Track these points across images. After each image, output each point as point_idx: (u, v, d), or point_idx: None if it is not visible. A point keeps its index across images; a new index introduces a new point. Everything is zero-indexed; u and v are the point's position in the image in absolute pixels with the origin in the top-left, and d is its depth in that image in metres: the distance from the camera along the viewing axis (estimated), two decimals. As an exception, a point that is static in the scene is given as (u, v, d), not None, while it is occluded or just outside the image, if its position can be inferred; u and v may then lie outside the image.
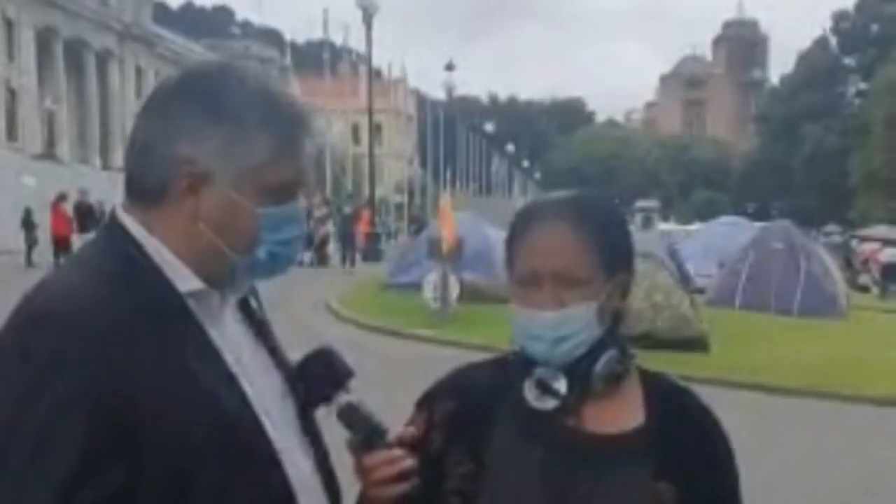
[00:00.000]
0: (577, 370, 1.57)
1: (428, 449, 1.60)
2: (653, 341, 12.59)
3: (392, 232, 51.25)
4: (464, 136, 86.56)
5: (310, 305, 17.60)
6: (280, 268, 1.52)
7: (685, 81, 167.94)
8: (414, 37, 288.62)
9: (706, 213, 74.28)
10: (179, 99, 1.45)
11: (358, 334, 14.41)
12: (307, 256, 29.82)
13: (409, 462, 1.54)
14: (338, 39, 65.08)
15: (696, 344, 12.94)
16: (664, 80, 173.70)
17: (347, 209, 36.14)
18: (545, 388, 1.57)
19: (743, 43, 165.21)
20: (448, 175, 61.73)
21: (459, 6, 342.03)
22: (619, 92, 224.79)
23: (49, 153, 52.55)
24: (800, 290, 18.96)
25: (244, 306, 1.57)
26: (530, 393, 1.58)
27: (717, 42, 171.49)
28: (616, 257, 1.59)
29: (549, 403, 1.57)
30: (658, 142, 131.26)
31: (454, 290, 15.80)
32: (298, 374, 1.55)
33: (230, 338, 1.48)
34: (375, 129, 47.75)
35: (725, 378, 11.28)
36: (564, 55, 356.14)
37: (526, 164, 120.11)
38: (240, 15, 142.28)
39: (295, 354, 1.59)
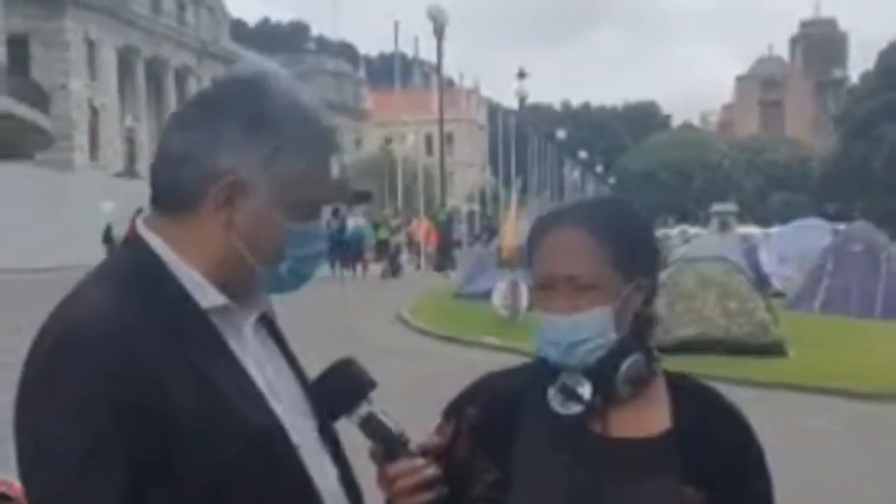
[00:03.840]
0: (602, 375, 1.56)
1: (455, 457, 1.61)
2: (727, 347, 12.47)
3: (464, 241, 51.38)
4: (536, 143, 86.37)
5: (381, 315, 17.72)
6: (299, 284, 1.53)
7: (762, 82, 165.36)
8: (488, 45, 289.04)
9: (785, 215, 72.98)
10: (219, 110, 1.45)
11: (427, 342, 14.44)
12: (377, 268, 30.12)
13: (431, 471, 1.54)
14: (411, 51, 65.68)
15: (773, 349, 12.72)
16: (740, 81, 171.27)
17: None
18: (570, 394, 1.57)
19: (821, 42, 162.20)
20: (520, 183, 62.00)
21: (533, 14, 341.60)
22: (695, 95, 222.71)
23: (130, 171, 53.75)
24: (881, 292, 18.51)
25: (264, 320, 1.57)
26: (555, 399, 1.58)
27: (795, 42, 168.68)
28: (634, 262, 1.59)
29: (574, 409, 1.56)
30: (735, 144, 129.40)
31: (524, 298, 15.77)
32: (321, 385, 1.55)
33: (252, 352, 1.48)
34: (447, 139, 47.82)
35: (803, 383, 11.06)
36: (639, 59, 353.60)
37: (599, 169, 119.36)
38: (315, 30, 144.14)
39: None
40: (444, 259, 32.97)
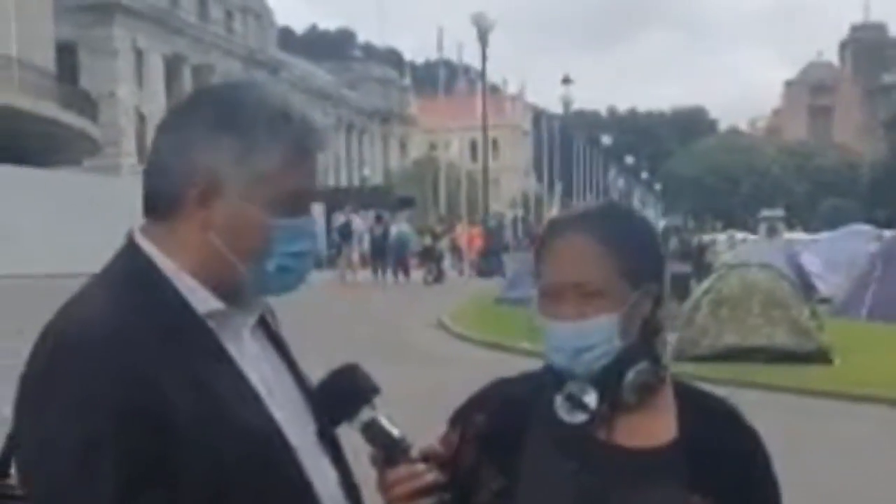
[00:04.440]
0: (608, 383, 1.56)
1: (461, 464, 1.61)
2: (771, 355, 12.33)
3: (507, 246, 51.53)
4: (580, 149, 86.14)
5: (422, 321, 17.74)
6: (291, 283, 1.52)
7: (811, 87, 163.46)
8: (533, 50, 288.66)
9: (835, 221, 72.12)
10: (192, 113, 1.49)
11: (465, 348, 14.42)
12: (420, 274, 30.15)
13: (430, 477, 1.54)
14: (456, 57, 65.85)
15: (817, 357, 12.54)
16: (789, 86, 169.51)
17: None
18: (576, 402, 1.56)
19: (870, 47, 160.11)
20: (564, 188, 62.05)
21: (579, 19, 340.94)
22: (743, 100, 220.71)
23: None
24: (929, 299, 18.17)
25: (263, 325, 1.58)
26: (562, 407, 1.57)
27: (844, 46, 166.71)
28: (640, 268, 1.58)
29: (580, 417, 1.56)
30: (783, 149, 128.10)
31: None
32: (323, 391, 1.55)
33: (251, 356, 1.49)
34: (492, 145, 47.70)
35: (848, 391, 10.87)
36: (687, 64, 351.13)
37: (645, 175, 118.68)
38: (362, 37, 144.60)
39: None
40: (494, 264, 33.04)
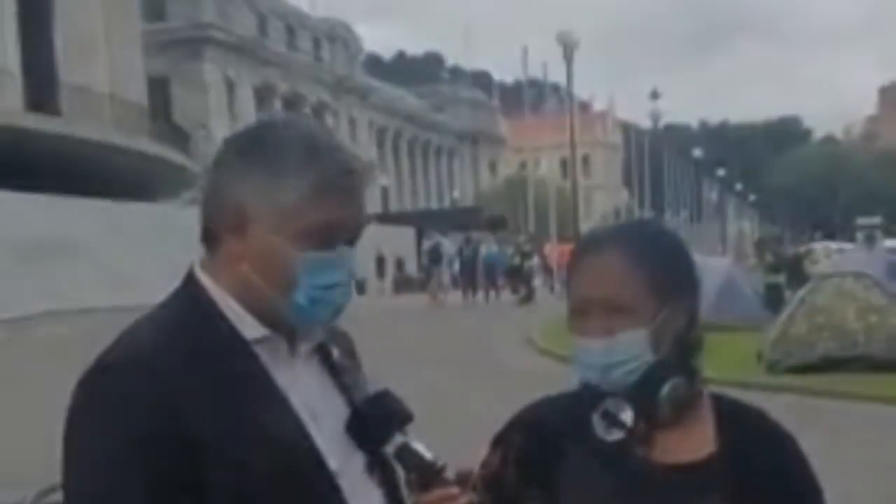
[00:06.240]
0: (643, 399, 1.57)
1: (502, 485, 1.63)
2: (868, 364, 12.03)
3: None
4: (671, 163, 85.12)
5: (510, 338, 17.72)
6: (325, 315, 1.53)
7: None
8: (623, 65, 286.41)
9: (939, 227, 69.74)
10: (230, 149, 1.55)
11: (552, 365, 14.33)
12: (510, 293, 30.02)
13: (464, 499, 1.54)
14: (542, 76, 65.56)
15: (916, 365, 12.15)
16: (884, 91, 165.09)
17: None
18: (612, 420, 1.57)
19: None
20: (656, 203, 61.37)
21: (669, 33, 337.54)
22: (837, 107, 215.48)
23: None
24: None
25: (322, 353, 1.61)
26: (598, 425, 1.58)
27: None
28: (670, 283, 1.59)
29: (617, 434, 1.57)
30: (880, 156, 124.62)
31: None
32: (357, 417, 1.57)
33: (300, 383, 1.52)
34: (583, 162, 47.39)
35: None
36: (777, 74, 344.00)
37: (739, 187, 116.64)
38: (449, 60, 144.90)
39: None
40: None
